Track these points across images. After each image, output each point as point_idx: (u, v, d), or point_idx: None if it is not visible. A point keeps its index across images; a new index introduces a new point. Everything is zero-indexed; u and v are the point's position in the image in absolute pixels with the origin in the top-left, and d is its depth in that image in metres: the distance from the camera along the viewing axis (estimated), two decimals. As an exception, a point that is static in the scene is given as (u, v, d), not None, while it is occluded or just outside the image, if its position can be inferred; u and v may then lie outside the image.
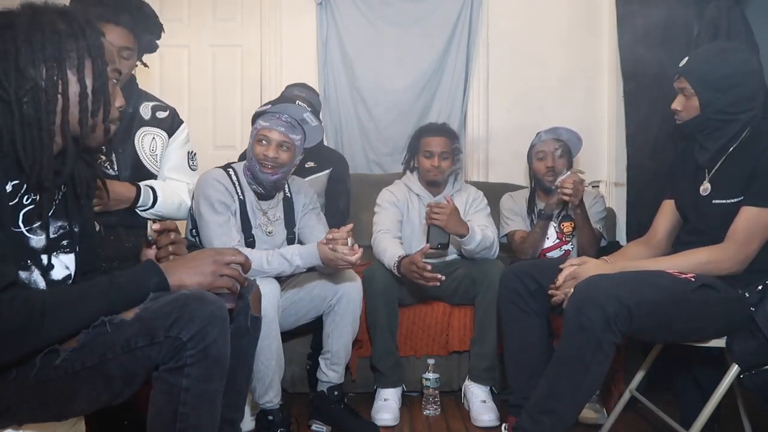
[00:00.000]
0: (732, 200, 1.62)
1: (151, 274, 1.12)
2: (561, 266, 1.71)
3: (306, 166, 2.62)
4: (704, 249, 1.61)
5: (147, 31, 1.84)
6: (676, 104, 1.72)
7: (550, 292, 1.73)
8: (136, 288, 1.10)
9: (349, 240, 1.81)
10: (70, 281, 1.23)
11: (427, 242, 2.18)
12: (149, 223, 1.23)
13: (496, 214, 2.59)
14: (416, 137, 2.54)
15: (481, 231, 2.29)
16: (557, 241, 2.46)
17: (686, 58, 1.70)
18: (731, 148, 1.67)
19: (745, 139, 1.66)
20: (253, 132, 2.00)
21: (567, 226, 2.45)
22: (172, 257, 1.24)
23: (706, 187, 1.71)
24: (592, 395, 1.64)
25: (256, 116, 2.05)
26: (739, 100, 1.63)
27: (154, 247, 1.27)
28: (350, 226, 1.89)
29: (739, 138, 1.66)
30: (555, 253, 2.43)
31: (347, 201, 2.80)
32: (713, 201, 1.67)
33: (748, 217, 1.57)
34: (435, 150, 2.44)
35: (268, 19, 3.43)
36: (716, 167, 1.69)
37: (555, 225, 2.46)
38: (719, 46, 1.74)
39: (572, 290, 1.59)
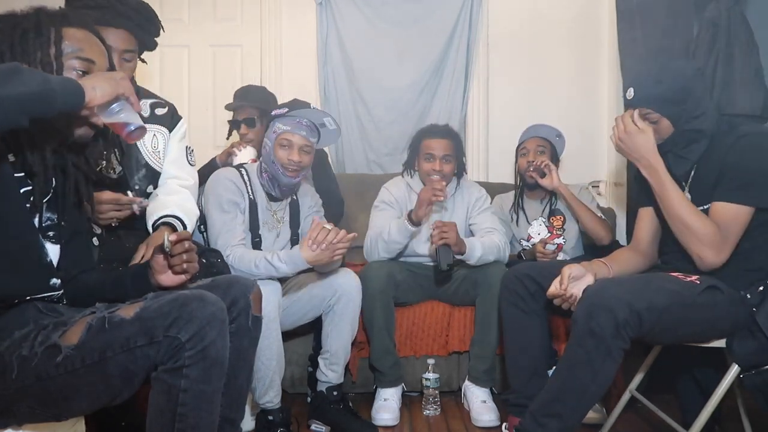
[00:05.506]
0: (707, 206, 1.62)
1: (66, 79, 1.07)
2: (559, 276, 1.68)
3: None
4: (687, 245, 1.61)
5: (147, 33, 1.86)
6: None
7: (550, 294, 1.70)
8: (44, 80, 0.99)
9: (329, 225, 1.79)
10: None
11: (438, 265, 2.10)
12: (166, 234, 1.26)
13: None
14: (417, 139, 2.46)
15: (482, 244, 2.23)
16: (549, 234, 2.49)
17: (630, 89, 1.68)
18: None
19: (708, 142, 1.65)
20: (272, 136, 2.00)
21: (556, 220, 2.49)
22: (186, 265, 1.27)
23: (687, 197, 1.69)
24: (598, 400, 1.65)
25: (270, 119, 2.05)
26: (698, 103, 1.63)
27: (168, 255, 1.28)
28: (317, 218, 1.93)
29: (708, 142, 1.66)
30: (550, 247, 2.42)
31: (337, 187, 2.77)
32: None
33: (720, 212, 1.57)
34: (437, 153, 2.36)
35: (268, 19, 3.44)
36: (692, 176, 1.69)
37: (544, 220, 2.50)
38: (657, 65, 1.72)
39: (580, 294, 1.60)
